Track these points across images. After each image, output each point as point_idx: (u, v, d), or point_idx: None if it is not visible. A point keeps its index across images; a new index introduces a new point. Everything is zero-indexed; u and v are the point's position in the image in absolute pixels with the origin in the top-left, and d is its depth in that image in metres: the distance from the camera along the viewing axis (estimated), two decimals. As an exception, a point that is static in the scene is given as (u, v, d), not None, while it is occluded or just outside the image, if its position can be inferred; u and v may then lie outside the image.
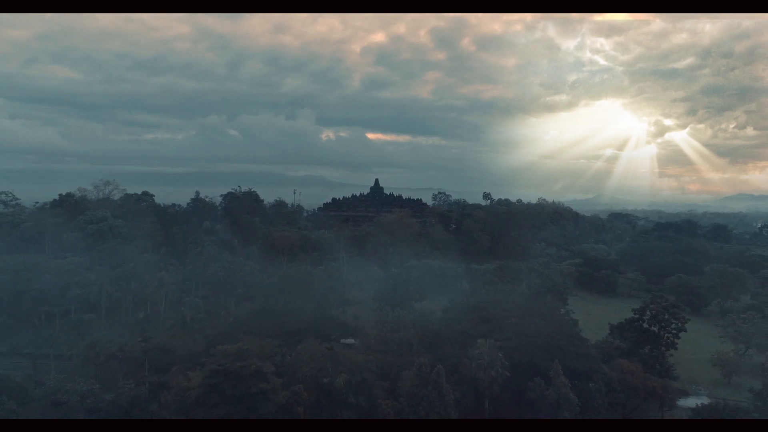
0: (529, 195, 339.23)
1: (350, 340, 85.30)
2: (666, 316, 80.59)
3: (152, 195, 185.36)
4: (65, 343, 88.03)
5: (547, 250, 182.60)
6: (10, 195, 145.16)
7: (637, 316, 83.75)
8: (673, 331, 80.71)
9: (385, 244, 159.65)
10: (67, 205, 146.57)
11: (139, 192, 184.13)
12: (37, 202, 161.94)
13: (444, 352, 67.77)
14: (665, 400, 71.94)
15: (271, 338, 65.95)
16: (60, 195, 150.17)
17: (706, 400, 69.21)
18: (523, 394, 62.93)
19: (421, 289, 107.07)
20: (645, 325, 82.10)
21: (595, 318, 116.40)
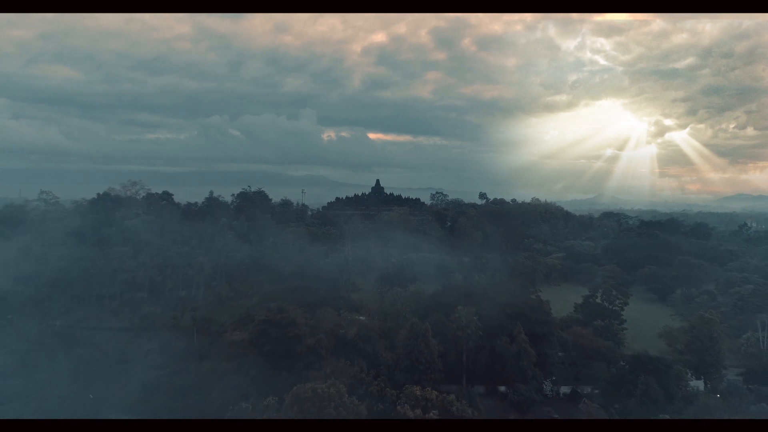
0: (529, 195, 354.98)
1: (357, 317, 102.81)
2: (614, 293, 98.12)
3: (171, 194, 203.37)
4: (119, 317, 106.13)
5: (534, 246, 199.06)
6: (50, 194, 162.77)
7: (590, 293, 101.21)
8: (619, 305, 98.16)
9: (385, 239, 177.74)
10: (103, 203, 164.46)
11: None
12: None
13: (432, 319, 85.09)
14: (611, 359, 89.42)
15: (296, 307, 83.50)
16: (98, 194, 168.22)
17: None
18: (494, 349, 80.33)
19: (417, 275, 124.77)
20: (598, 300, 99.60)
21: (572, 305, 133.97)
